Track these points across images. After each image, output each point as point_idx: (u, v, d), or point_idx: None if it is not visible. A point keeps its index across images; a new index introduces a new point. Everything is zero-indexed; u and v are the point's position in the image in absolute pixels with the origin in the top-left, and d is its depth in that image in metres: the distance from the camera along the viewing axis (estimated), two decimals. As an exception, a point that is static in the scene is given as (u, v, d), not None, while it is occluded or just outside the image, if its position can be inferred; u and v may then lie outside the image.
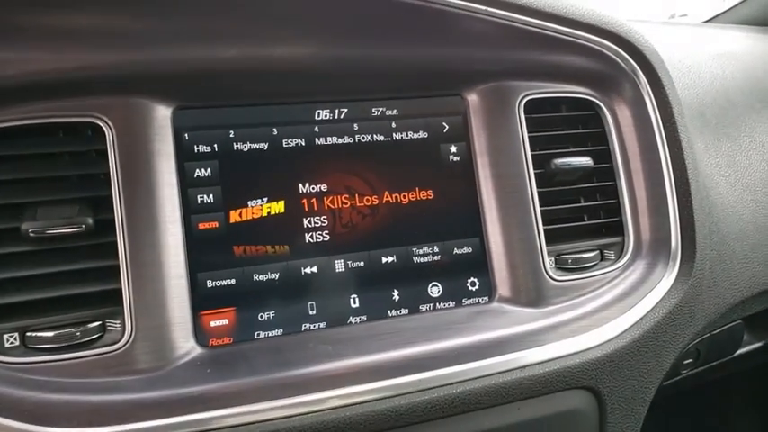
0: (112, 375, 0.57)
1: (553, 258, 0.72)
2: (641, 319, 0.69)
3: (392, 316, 0.68)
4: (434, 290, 0.70)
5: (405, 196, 0.69)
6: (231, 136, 0.65)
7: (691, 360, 0.86)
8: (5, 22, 0.54)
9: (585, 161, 0.74)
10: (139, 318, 0.58)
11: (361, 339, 0.65)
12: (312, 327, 0.65)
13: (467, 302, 0.70)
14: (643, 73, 0.73)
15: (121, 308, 0.58)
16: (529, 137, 0.72)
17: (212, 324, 0.63)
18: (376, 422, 0.59)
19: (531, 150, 0.72)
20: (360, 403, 0.59)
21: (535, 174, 0.72)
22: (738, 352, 0.94)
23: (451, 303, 0.70)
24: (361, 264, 0.68)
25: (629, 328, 0.69)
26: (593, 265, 0.74)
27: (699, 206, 0.72)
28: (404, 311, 0.68)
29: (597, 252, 0.74)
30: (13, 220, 0.57)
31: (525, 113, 0.72)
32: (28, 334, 0.56)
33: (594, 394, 0.68)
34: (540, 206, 0.71)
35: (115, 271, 0.59)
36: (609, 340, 0.68)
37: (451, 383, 0.62)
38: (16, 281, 0.57)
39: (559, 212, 0.74)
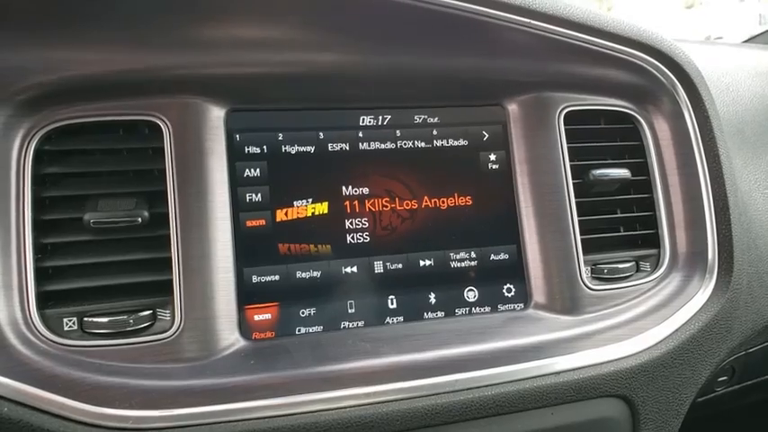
0: (161, 362, 0.59)
1: (589, 268, 0.73)
2: (676, 330, 0.69)
3: (428, 318, 0.69)
4: (470, 294, 0.71)
5: (444, 201, 0.71)
6: (280, 138, 0.68)
7: (726, 378, 0.86)
8: (74, 27, 0.58)
9: (623, 173, 0.75)
10: (188, 309, 0.61)
11: (399, 339, 0.66)
12: (351, 325, 0.67)
13: (502, 308, 0.71)
14: (682, 87, 0.74)
15: (171, 298, 0.61)
16: (568, 147, 0.73)
17: (256, 318, 0.65)
18: (412, 419, 0.60)
19: (570, 161, 0.73)
20: (397, 400, 0.61)
21: (573, 184, 0.73)
22: (774, 372, 0.93)
23: (487, 308, 0.71)
24: (400, 266, 0.69)
25: (665, 339, 0.69)
26: (629, 276, 0.74)
27: (737, 221, 0.72)
28: (440, 314, 0.70)
29: (633, 263, 0.75)
30: (77, 210, 0.60)
31: (565, 124, 0.74)
32: (85, 319, 0.59)
33: (628, 403, 0.68)
34: (578, 216, 0.72)
35: (167, 263, 0.61)
36: (644, 350, 0.68)
37: (487, 385, 0.63)
38: (77, 268, 0.60)
39: (596, 223, 0.74)
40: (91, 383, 0.56)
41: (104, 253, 0.61)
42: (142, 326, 0.60)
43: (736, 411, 1.08)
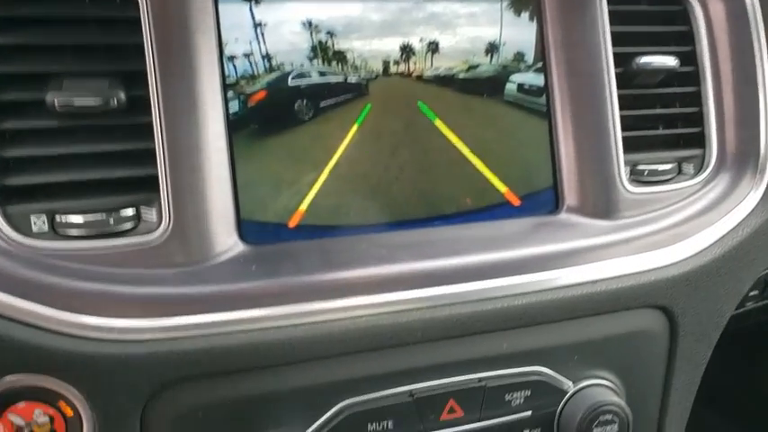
0: (149, 267, 0.52)
1: (628, 168, 0.65)
2: (723, 237, 0.63)
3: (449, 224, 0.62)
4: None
5: (468, 93, 0.62)
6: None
7: (756, 292, 0.80)
8: None
9: (671, 61, 0.65)
10: (177, 207, 0.52)
11: (417, 246, 0.59)
12: (362, 230, 0.60)
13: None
14: (742, -40, 0.64)
15: (158, 195, 0.52)
16: (611, 31, 0.63)
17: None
18: (434, 330, 0.54)
19: (612, 46, 0.64)
20: (417, 309, 0.54)
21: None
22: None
23: (514, 213, 0.64)
24: (418, 164, 0.61)
25: (710, 246, 0.63)
26: (670, 179, 0.67)
27: (794, 115, 0.64)
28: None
29: (675, 165, 0.67)
30: (37, 91, 0.50)
31: (607, 4, 0.64)
32: (57, 218, 0.51)
33: (667, 315, 0.62)
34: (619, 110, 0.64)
35: (150, 155, 0.52)
36: (687, 258, 0.62)
37: (515, 294, 0.57)
38: (43, 160, 0.51)
39: (637, 119, 0.66)
40: (67, 290, 0.48)
41: (75, 142, 0.52)
42: (124, 226, 0.52)
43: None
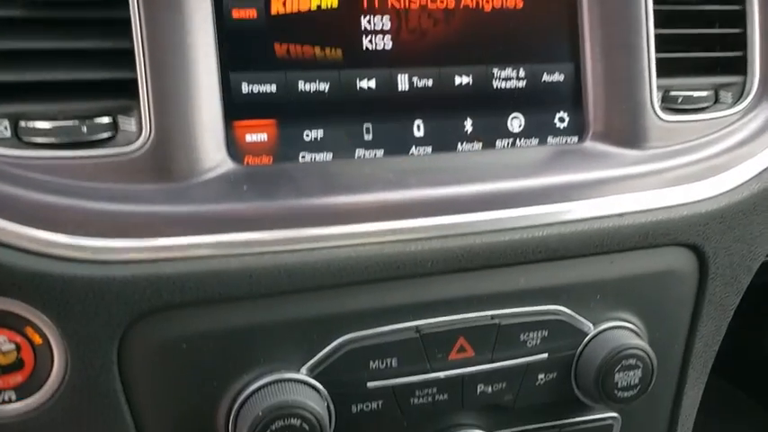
0: (127, 182, 0.46)
1: (660, 94, 0.59)
2: (763, 171, 0.58)
3: (463, 149, 0.56)
4: (515, 123, 0.57)
5: (488, 1, 0.55)
6: None
7: (785, 240, 0.75)
8: None
9: (714, -26, 0.59)
10: (159, 116, 0.46)
11: (427, 171, 0.54)
12: (367, 154, 0.54)
13: (553, 141, 0.58)
14: None
15: (137, 102, 0.46)
16: (648, -66, 0.57)
17: (248, 139, 0.51)
18: (446, 261, 0.49)
19: (650, -47, 0.57)
20: (428, 238, 0.49)
21: (651, -15, 0.57)
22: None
23: (534, 140, 0.58)
24: (429, 82, 0.55)
25: (748, 181, 0.57)
26: (706, 108, 0.61)
27: None
28: (477, 146, 0.57)
29: (712, 92, 0.61)
30: (-3, -26, 0.44)
31: None
32: (21, 124, 0.45)
33: (698, 254, 0.57)
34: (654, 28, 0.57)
35: (130, 55, 0.46)
36: (722, 193, 0.57)
37: (536, 225, 0.51)
38: (3, 55, 0.44)
39: (672, 39, 0.59)
40: (32, 203, 0.43)
41: (42, 37, 0.45)
42: (99, 136, 0.46)
43: None
